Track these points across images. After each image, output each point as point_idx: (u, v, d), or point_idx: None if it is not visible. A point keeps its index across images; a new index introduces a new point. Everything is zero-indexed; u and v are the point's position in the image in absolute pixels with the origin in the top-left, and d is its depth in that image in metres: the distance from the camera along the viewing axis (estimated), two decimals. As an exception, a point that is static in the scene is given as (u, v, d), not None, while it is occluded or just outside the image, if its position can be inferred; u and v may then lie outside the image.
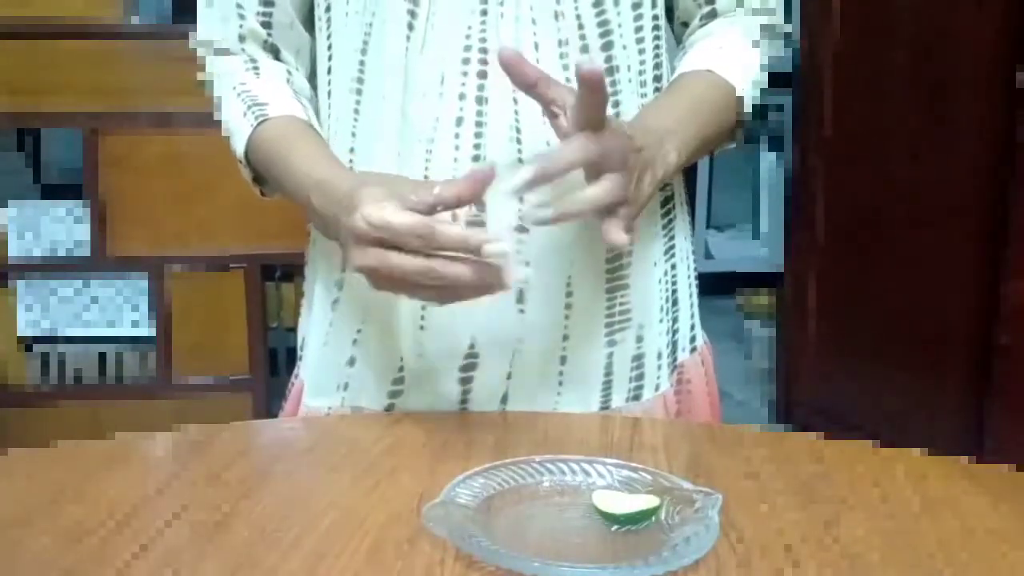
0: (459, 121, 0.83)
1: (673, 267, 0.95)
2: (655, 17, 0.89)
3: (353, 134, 0.87)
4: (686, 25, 0.94)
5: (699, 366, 0.99)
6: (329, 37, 0.89)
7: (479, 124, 0.83)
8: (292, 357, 1.01)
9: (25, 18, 2.33)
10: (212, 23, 0.92)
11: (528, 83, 0.72)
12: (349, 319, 0.91)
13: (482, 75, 0.82)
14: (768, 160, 4.58)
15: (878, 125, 2.66)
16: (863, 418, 2.69)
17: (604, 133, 0.71)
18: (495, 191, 0.72)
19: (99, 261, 2.44)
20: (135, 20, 2.38)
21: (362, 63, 0.86)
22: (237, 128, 0.89)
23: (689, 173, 0.97)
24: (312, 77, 0.94)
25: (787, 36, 2.46)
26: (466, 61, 0.82)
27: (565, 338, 0.88)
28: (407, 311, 0.87)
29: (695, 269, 1.00)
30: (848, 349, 2.82)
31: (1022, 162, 2.20)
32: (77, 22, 2.35)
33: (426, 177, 0.83)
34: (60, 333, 2.48)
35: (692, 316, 0.99)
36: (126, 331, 2.49)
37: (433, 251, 0.69)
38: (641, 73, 0.89)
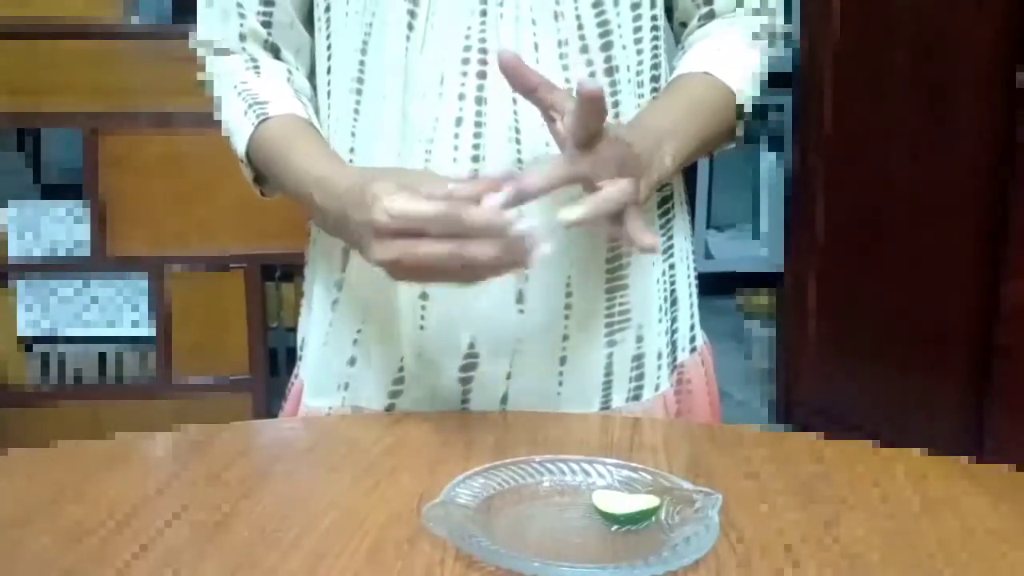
0: (458, 121, 0.83)
1: (672, 267, 0.95)
2: (654, 17, 0.89)
3: (353, 134, 0.87)
4: (684, 25, 0.94)
5: (699, 366, 0.99)
6: (329, 37, 0.89)
7: (478, 124, 0.83)
8: (292, 357, 1.01)
9: (25, 18, 2.33)
10: (212, 23, 0.92)
11: (527, 87, 0.72)
12: (349, 319, 0.91)
13: (481, 75, 0.82)
14: (768, 160, 4.57)
15: (878, 125, 2.66)
16: (863, 418, 2.69)
17: (601, 143, 0.71)
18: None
19: (99, 261, 2.43)
20: (135, 20, 2.38)
21: (362, 63, 0.86)
22: (238, 127, 0.89)
23: (689, 173, 0.97)
24: (311, 76, 0.94)
25: (787, 36, 2.46)
26: (466, 61, 0.82)
27: (565, 338, 0.88)
28: (407, 311, 0.87)
29: (695, 269, 1.01)
30: (848, 349, 2.82)
31: (1022, 162, 2.20)
32: (77, 22, 2.35)
33: (426, 177, 0.83)
34: (60, 333, 2.48)
35: (692, 316, 0.99)
36: (126, 331, 2.49)
37: (459, 235, 0.69)
38: (639, 73, 0.89)
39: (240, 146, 0.88)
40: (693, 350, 0.99)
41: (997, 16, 2.26)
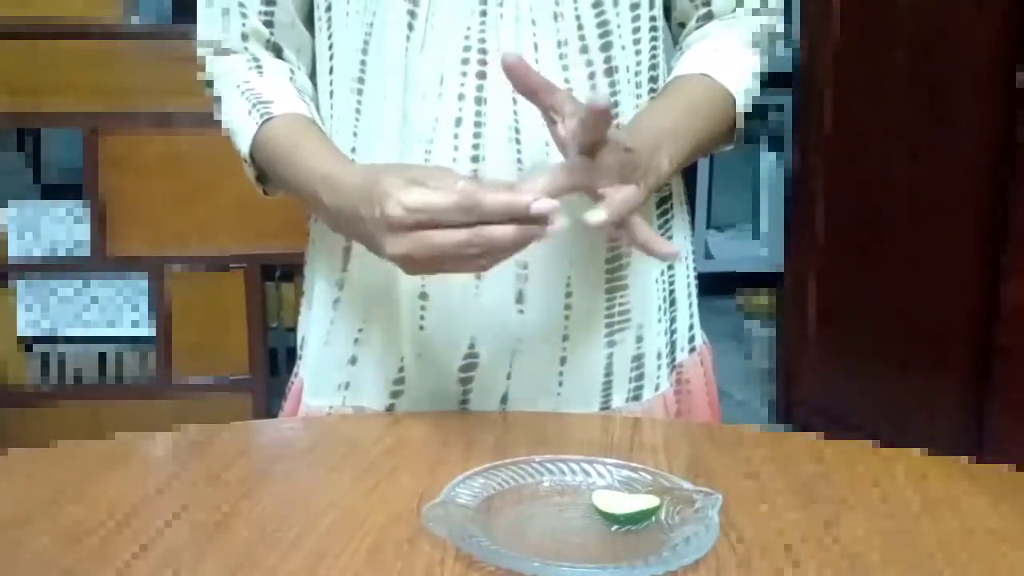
0: (458, 121, 0.83)
1: (671, 267, 0.95)
2: (652, 18, 0.89)
3: (355, 134, 0.87)
4: (683, 26, 0.94)
5: (698, 366, 0.99)
6: (330, 37, 0.89)
7: (478, 124, 0.83)
8: (292, 357, 1.01)
9: (25, 18, 2.33)
10: (213, 22, 0.92)
11: (529, 89, 0.72)
12: (350, 318, 0.91)
13: (481, 76, 0.82)
14: (768, 160, 4.57)
15: (878, 125, 2.66)
16: (863, 418, 2.69)
17: (603, 150, 0.72)
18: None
19: (99, 261, 2.43)
20: (135, 20, 2.38)
21: (363, 63, 0.86)
22: (241, 126, 0.88)
23: (689, 173, 0.97)
24: (312, 76, 0.94)
25: (787, 36, 2.46)
26: (465, 61, 0.82)
27: (565, 338, 0.88)
28: (407, 311, 0.87)
29: (695, 269, 1.01)
30: (848, 349, 2.82)
31: (1022, 162, 2.20)
32: (77, 22, 2.35)
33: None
34: (60, 333, 2.48)
35: (691, 316, 0.99)
36: (126, 331, 2.49)
37: (475, 222, 0.69)
38: (638, 74, 0.89)
39: (243, 145, 0.88)
40: (692, 350, 0.99)
41: (997, 16, 2.26)
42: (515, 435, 0.84)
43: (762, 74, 0.90)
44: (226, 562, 0.63)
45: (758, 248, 4.60)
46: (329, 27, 0.89)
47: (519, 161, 0.83)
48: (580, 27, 0.84)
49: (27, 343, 2.48)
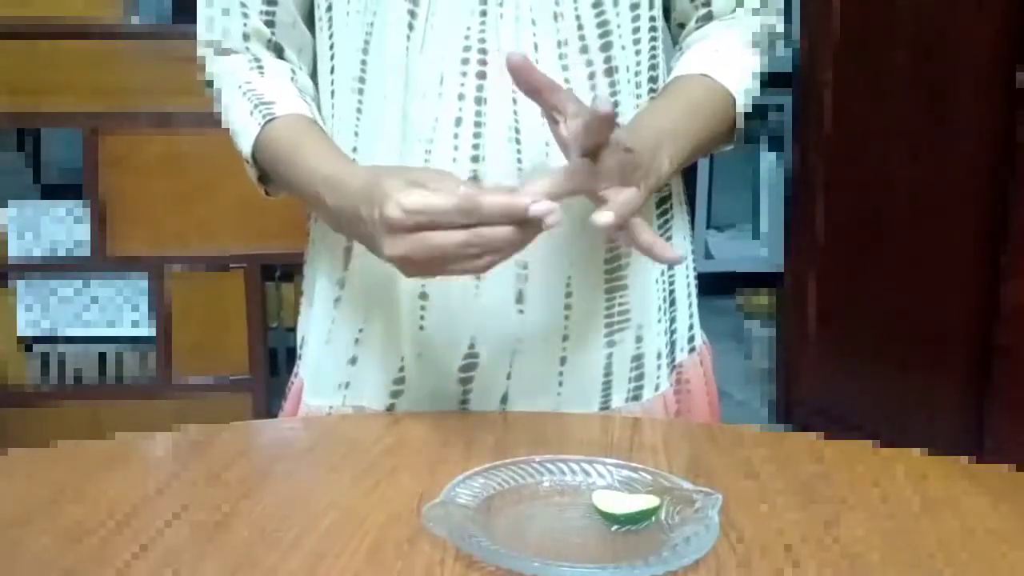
0: (458, 121, 0.83)
1: (671, 267, 0.95)
2: (652, 18, 0.89)
3: (356, 133, 0.87)
4: (682, 27, 0.94)
5: (698, 366, 0.99)
6: (331, 36, 0.89)
7: (478, 124, 0.83)
8: (292, 357, 1.01)
9: (25, 18, 2.33)
10: (214, 22, 0.92)
11: (533, 88, 0.72)
12: (351, 318, 0.91)
13: (481, 75, 0.82)
14: (768, 160, 4.57)
15: (878, 125, 2.66)
16: (863, 418, 2.69)
17: (604, 152, 0.72)
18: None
19: (99, 261, 2.43)
20: (135, 20, 2.38)
21: (364, 62, 0.86)
22: (243, 127, 0.88)
23: (689, 173, 0.97)
24: (313, 76, 0.94)
25: (787, 36, 2.46)
26: (465, 61, 0.82)
27: (565, 338, 0.88)
28: (407, 311, 0.87)
29: (694, 269, 1.01)
30: (848, 349, 2.82)
31: (1022, 162, 2.20)
32: (77, 22, 2.35)
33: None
34: (60, 333, 2.48)
35: (691, 316, 0.99)
36: (126, 331, 2.49)
37: (474, 224, 0.69)
38: (638, 74, 0.89)
39: (246, 146, 0.88)
40: (692, 350, 0.99)
41: (997, 16, 2.26)
42: (515, 435, 0.84)
43: (762, 74, 0.90)
44: (226, 562, 0.63)
45: (758, 248, 4.60)
46: (330, 27, 0.89)
47: (519, 161, 0.83)
48: (580, 27, 0.84)
49: (27, 343, 2.47)
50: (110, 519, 0.68)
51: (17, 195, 2.45)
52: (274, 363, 2.59)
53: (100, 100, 2.37)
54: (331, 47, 0.89)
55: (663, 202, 0.94)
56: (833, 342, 2.88)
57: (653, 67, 0.90)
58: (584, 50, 0.85)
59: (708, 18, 0.92)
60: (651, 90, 0.90)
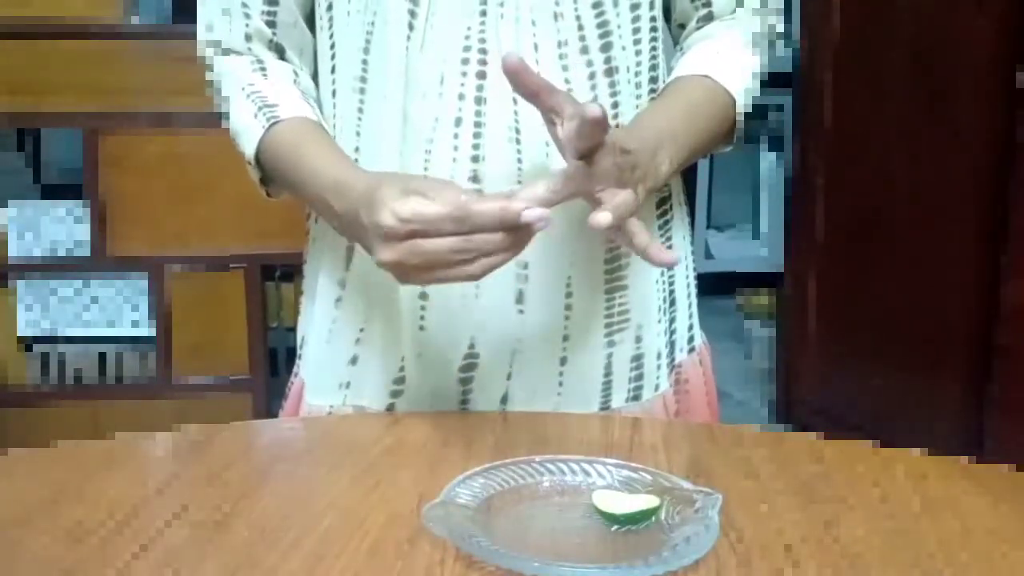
0: (458, 121, 0.83)
1: (670, 268, 0.95)
2: (652, 19, 0.89)
3: (358, 133, 0.87)
4: (683, 27, 0.94)
5: (697, 366, 0.99)
6: (332, 36, 0.89)
7: (478, 124, 0.83)
8: (292, 357, 1.01)
9: (25, 18, 2.33)
10: (216, 22, 0.92)
11: (530, 91, 0.72)
12: (352, 318, 0.91)
13: (481, 75, 0.82)
14: (768, 160, 4.57)
15: (878, 125, 2.66)
16: (863, 418, 2.69)
17: (600, 152, 0.72)
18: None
19: (99, 261, 2.43)
20: (135, 20, 2.38)
21: (365, 62, 0.86)
22: (246, 129, 0.88)
23: (689, 173, 0.97)
24: (314, 76, 0.94)
25: (787, 36, 2.46)
26: (465, 61, 0.82)
27: (565, 339, 0.88)
28: (407, 312, 0.87)
29: (694, 269, 1.01)
30: (848, 349, 2.82)
31: (1022, 162, 2.20)
32: (77, 22, 2.34)
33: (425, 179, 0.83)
34: (60, 333, 2.48)
35: (690, 316, 0.99)
36: (126, 331, 2.49)
37: (467, 231, 0.69)
38: (638, 74, 0.89)
39: (249, 148, 0.88)
40: (691, 350, 0.99)
41: (997, 16, 2.26)
42: (515, 435, 0.84)
43: (762, 74, 0.90)
44: (226, 562, 0.63)
45: (758, 248, 4.60)
46: (331, 26, 0.89)
47: (519, 161, 0.83)
48: (580, 27, 0.84)
49: (27, 343, 2.47)
50: (110, 519, 0.68)
51: (17, 195, 2.45)
52: (274, 363, 2.59)
53: (100, 100, 2.37)
54: (332, 47, 0.89)
55: (663, 202, 0.94)
56: (833, 342, 2.88)
57: (653, 67, 0.90)
58: (584, 50, 0.85)
59: (708, 18, 0.92)
60: (651, 90, 0.90)
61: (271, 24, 0.91)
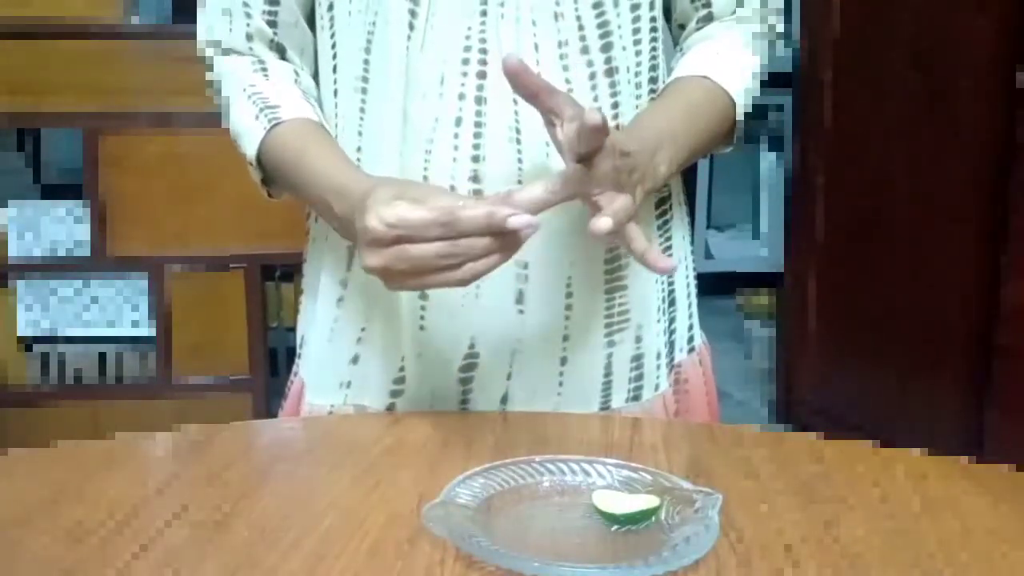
0: (458, 121, 0.83)
1: (667, 274, 0.95)
2: (652, 19, 0.89)
3: (360, 133, 0.87)
4: (683, 27, 0.94)
5: (697, 366, 0.99)
6: (333, 36, 0.89)
7: (478, 124, 0.83)
8: (292, 357, 1.01)
9: (25, 18, 2.33)
10: (217, 22, 0.92)
11: (531, 92, 0.72)
12: (354, 317, 0.91)
13: (481, 75, 0.82)
14: (768, 160, 4.58)
15: (878, 125, 2.66)
16: (863, 418, 2.69)
17: (599, 157, 0.72)
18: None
19: (99, 261, 2.43)
20: (135, 20, 2.38)
21: (366, 62, 0.86)
22: (248, 130, 0.88)
23: (688, 173, 0.97)
24: (315, 76, 0.94)
25: (787, 36, 2.45)
26: (466, 61, 0.82)
27: (565, 339, 0.88)
28: (407, 312, 0.87)
29: (694, 269, 1.01)
30: (848, 349, 2.82)
31: (1022, 162, 2.20)
32: (77, 22, 2.34)
33: (425, 178, 0.83)
34: (60, 333, 2.48)
35: (690, 316, 0.99)
36: (126, 331, 2.49)
37: (454, 237, 0.69)
38: (638, 75, 0.89)
39: (250, 150, 0.88)
40: (691, 350, 0.99)
41: (997, 16, 2.26)
42: (515, 435, 0.84)
43: (762, 74, 0.90)
44: (226, 562, 0.63)
45: (758, 248, 4.60)
46: (332, 26, 0.89)
47: (519, 161, 0.83)
48: (581, 27, 0.84)
49: (27, 343, 2.48)
50: (110, 519, 0.68)
51: (17, 195, 2.45)
52: (274, 363, 2.59)
53: (100, 100, 2.37)
54: (333, 46, 0.89)
55: (662, 202, 0.94)
56: (833, 342, 2.88)
57: (653, 68, 0.90)
58: (585, 51, 0.85)
59: (709, 19, 0.92)
60: (651, 91, 0.90)
61: (272, 24, 0.91)
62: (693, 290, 1.00)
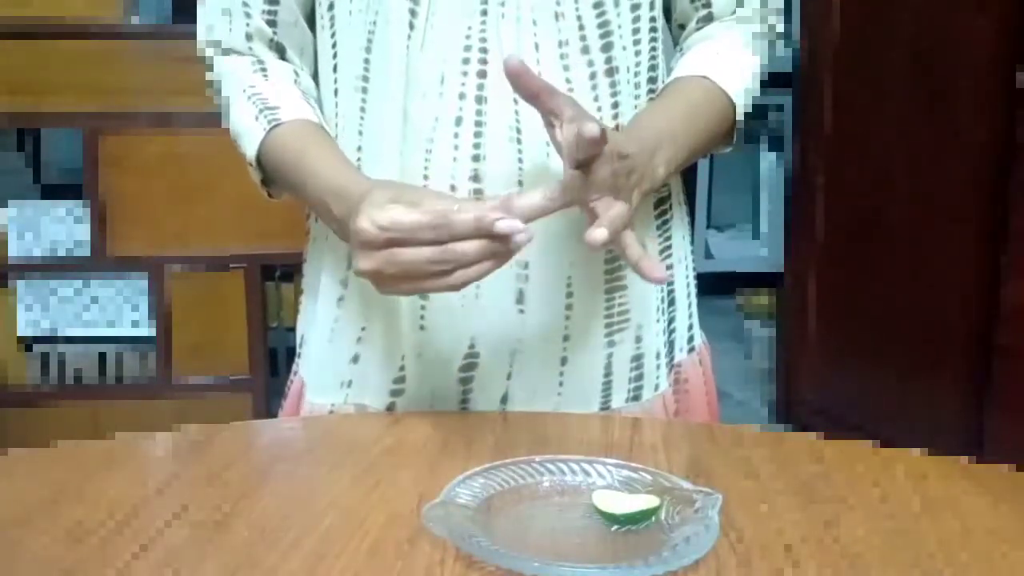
0: (458, 121, 0.83)
1: (670, 267, 0.95)
2: (652, 19, 0.89)
3: (360, 132, 0.87)
4: (683, 27, 0.94)
5: (696, 366, 0.99)
6: (333, 35, 0.89)
7: (478, 124, 0.83)
8: (292, 357, 1.01)
9: (25, 18, 2.33)
10: (217, 22, 0.92)
11: (531, 93, 0.72)
12: (354, 317, 0.91)
13: (482, 75, 0.82)
14: (768, 160, 4.58)
15: (878, 125, 2.66)
16: (863, 418, 2.69)
17: (598, 163, 0.72)
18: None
19: (99, 261, 2.43)
20: (135, 20, 2.38)
21: (367, 61, 0.86)
22: (248, 131, 0.88)
23: (689, 173, 0.97)
24: (315, 76, 0.94)
25: (787, 36, 2.46)
26: (466, 61, 0.83)
27: (565, 339, 0.88)
28: (407, 311, 0.87)
29: (694, 269, 1.01)
30: (848, 349, 2.82)
31: (1022, 162, 2.20)
32: (77, 22, 2.35)
33: (425, 177, 0.83)
34: (60, 333, 2.48)
35: (690, 316, 0.99)
36: (126, 331, 2.49)
37: (445, 241, 0.69)
38: (637, 75, 0.89)
39: (250, 150, 0.88)
40: (691, 350, 0.99)
41: (997, 16, 2.26)
42: (515, 435, 0.84)
43: (762, 74, 0.90)
44: (226, 562, 0.63)
45: (758, 248, 4.60)
46: (332, 25, 0.89)
47: (520, 161, 0.83)
48: (581, 27, 0.84)
49: (27, 343, 2.48)
50: (110, 519, 0.68)
51: (17, 195, 2.45)
52: (274, 363, 2.59)
53: (100, 100, 2.37)
54: (334, 46, 0.89)
55: (662, 202, 0.94)
56: (833, 342, 2.88)
57: (653, 67, 0.91)
58: (585, 50, 0.85)
59: (709, 19, 0.92)
60: (651, 91, 0.90)
61: (272, 23, 0.91)
62: (693, 290, 1.00)
